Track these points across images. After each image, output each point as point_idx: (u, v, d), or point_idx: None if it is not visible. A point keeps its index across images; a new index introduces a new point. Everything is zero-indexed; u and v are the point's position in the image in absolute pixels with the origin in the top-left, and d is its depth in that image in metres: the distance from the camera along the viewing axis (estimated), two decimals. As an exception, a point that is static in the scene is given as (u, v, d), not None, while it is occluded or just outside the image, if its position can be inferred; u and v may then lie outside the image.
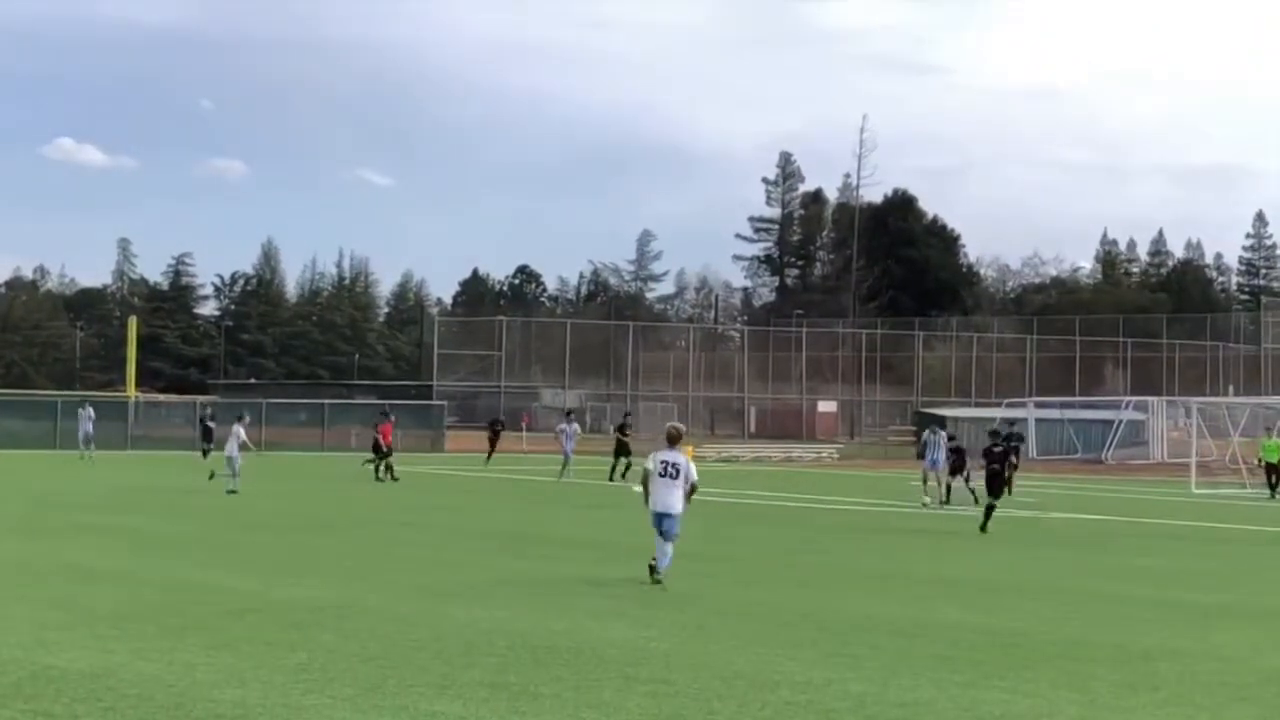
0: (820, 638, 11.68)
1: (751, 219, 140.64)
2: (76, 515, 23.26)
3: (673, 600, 13.71)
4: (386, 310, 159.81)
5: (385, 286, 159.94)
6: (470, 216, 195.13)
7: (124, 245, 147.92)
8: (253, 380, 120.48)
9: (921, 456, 31.70)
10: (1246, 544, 24.08)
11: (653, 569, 14.74)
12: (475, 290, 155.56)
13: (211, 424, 46.26)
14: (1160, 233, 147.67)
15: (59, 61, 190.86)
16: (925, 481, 30.60)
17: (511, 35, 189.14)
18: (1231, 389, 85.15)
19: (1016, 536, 22.60)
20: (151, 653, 10.19)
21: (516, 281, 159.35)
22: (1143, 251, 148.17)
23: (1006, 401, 67.43)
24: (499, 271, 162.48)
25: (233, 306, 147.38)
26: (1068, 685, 9.81)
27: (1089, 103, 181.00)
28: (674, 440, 15.32)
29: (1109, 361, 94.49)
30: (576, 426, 40.74)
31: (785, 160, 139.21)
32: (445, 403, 67.29)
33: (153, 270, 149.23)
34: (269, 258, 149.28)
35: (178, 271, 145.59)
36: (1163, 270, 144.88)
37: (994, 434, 26.84)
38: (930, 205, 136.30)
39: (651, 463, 15.20)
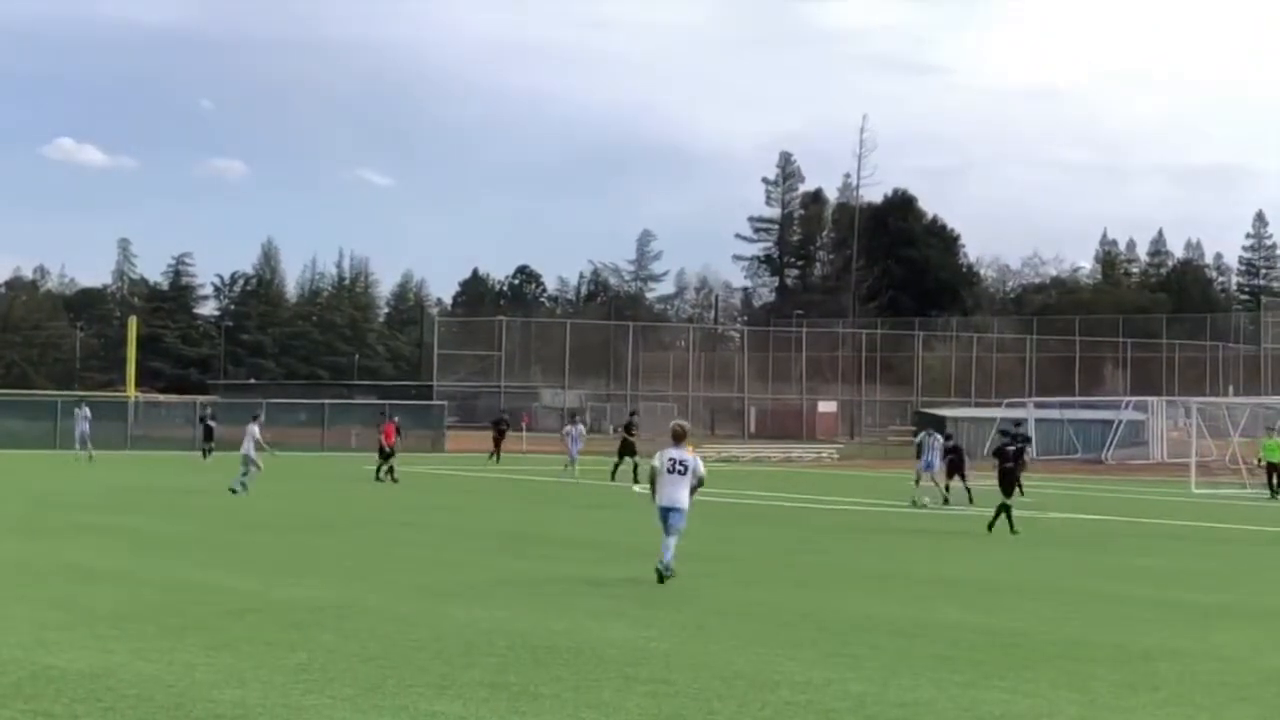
0: (820, 638, 11.67)
1: (751, 219, 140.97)
2: (76, 515, 23.25)
3: (673, 600, 13.71)
4: (386, 310, 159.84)
5: (385, 286, 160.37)
6: (470, 216, 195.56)
7: (124, 245, 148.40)
8: (253, 380, 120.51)
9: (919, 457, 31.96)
10: (1246, 544, 24.08)
11: (660, 574, 14.74)
12: (475, 290, 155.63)
13: (213, 424, 46.20)
14: (1160, 233, 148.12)
15: (59, 61, 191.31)
16: (917, 481, 30.87)
17: (511, 35, 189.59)
18: (1231, 389, 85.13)
19: (1016, 536, 22.57)
20: (151, 653, 10.18)
21: (516, 281, 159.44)
22: (1143, 251, 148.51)
23: (1006, 401, 67.37)
24: (499, 271, 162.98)
25: (233, 306, 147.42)
26: (1068, 685, 9.80)
27: (1089, 103, 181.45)
28: (680, 438, 15.42)
29: (1109, 361, 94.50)
30: (582, 428, 40.72)
31: (785, 160, 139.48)
32: (445, 403, 67.28)
33: (153, 270, 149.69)
34: (269, 258, 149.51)
35: (178, 271, 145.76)
36: (1163, 270, 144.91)
37: (1004, 433, 27.03)
38: (930, 205, 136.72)
39: (659, 461, 15.29)
